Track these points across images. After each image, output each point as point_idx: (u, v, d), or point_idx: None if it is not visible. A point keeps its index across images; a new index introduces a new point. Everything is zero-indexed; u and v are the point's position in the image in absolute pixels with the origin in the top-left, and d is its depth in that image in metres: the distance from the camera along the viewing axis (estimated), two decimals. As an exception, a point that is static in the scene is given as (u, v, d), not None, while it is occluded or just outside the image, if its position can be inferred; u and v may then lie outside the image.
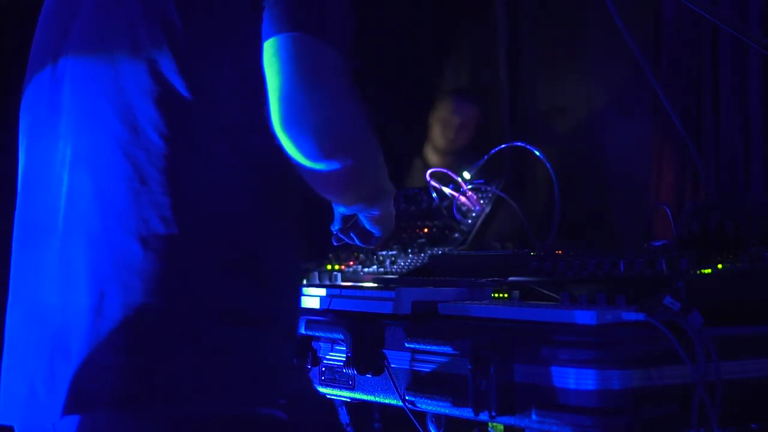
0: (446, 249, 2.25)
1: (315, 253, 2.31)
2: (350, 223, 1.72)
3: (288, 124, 1.37)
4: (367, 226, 1.67)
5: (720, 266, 1.47)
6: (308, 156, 1.38)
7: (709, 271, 1.46)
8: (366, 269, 2.27)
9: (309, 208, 1.57)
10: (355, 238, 1.73)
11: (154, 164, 1.40)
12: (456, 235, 2.28)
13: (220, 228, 1.41)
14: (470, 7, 4.89)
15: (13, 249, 1.56)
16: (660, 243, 1.78)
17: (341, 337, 1.66)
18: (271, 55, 1.39)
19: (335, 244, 1.82)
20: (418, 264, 2.20)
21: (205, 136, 1.41)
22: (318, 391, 1.60)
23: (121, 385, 1.37)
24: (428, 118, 4.51)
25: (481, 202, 2.30)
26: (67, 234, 1.44)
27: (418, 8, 5.03)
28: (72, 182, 1.45)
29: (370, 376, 1.64)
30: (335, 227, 1.73)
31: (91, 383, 1.38)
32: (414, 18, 5.04)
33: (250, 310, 1.42)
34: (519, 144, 2.34)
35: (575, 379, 1.30)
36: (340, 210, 1.68)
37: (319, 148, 1.37)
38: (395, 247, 2.30)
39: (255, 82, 1.41)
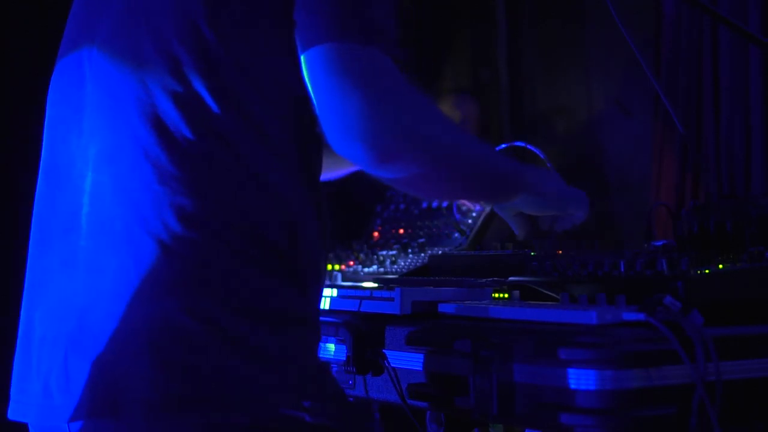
0: (446, 249, 2.24)
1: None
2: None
3: (337, 135, 1.38)
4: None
5: (720, 266, 1.47)
6: (363, 163, 1.39)
7: (708, 271, 1.46)
8: (366, 269, 2.27)
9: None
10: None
11: (175, 165, 1.38)
12: (456, 235, 2.28)
13: (248, 230, 1.38)
14: (470, 6, 4.90)
15: (31, 243, 1.54)
16: (660, 243, 1.78)
17: (341, 336, 1.66)
18: (311, 67, 1.38)
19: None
20: (418, 264, 2.20)
21: (232, 139, 1.39)
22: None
23: (144, 391, 1.33)
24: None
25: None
26: (89, 234, 1.42)
27: (417, 8, 5.02)
28: (95, 182, 1.44)
29: (370, 376, 1.64)
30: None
31: (111, 387, 1.35)
32: (413, 17, 5.03)
33: (282, 310, 1.40)
34: (519, 144, 2.34)
35: (575, 379, 1.30)
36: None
37: (371, 152, 1.37)
38: (395, 247, 2.30)
39: (288, 89, 1.41)
